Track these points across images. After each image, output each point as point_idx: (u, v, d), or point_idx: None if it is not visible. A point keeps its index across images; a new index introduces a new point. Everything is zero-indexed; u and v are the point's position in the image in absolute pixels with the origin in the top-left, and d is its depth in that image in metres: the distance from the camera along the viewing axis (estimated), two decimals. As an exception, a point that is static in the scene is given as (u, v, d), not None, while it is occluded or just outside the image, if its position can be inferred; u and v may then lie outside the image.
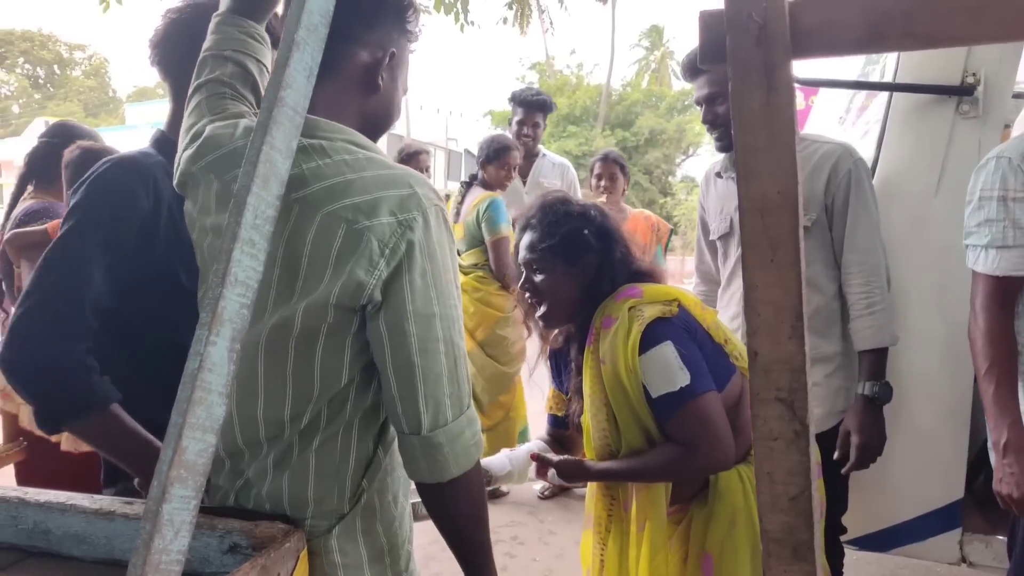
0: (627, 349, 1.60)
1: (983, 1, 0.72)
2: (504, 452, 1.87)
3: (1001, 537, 2.20)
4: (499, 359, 3.82)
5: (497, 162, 3.76)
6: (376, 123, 1.20)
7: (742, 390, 1.69)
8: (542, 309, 1.76)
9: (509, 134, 4.14)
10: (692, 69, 2.09)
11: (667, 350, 1.58)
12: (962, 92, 2.04)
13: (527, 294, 1.78)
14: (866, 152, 2.35)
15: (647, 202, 25.66)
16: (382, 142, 1.31)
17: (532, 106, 4.11)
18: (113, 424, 1.32)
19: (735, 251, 2.23)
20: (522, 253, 1.78)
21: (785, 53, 0.78)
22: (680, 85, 31.35)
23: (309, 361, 1.09)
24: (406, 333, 1.05)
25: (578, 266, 1.73)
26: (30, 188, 2.88)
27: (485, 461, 1.81)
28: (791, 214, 0.78)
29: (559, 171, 4.24)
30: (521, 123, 4.11)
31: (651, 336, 1.59)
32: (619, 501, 1.74)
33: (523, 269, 1.79)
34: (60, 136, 2.87)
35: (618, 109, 29.20)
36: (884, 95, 2.30)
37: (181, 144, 1.22)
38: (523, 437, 3.89)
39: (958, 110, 2.06)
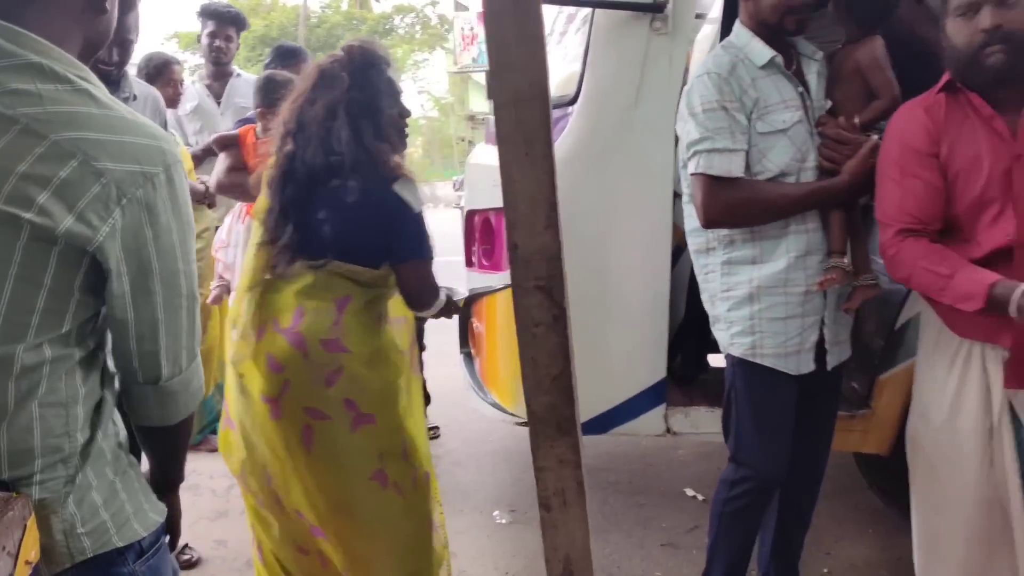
0: None
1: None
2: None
3: (698, 408, 2.56)
4: None
5: (160, 79, 3.49)
6: (96, 49, 1.11)
7: None
8: None
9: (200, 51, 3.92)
10: None
11: None
12: (655, 9, 2.22)
13: None
14: (572, 70, 2.50)
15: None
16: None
17: (224, 19, 3.91)
18: None
19: None
20: None
21: (528, -54, 0.79)
22: (381, 8, 30.81)
23: (31, 294, 0.97)
24: (151, 291, 1.04)
25: None
26: None
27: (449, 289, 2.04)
28: (543, 107, 0.81)
29: None
30: (213, 35, 3.89)
31: None
32: None
33: None
34: None
35: (318, 32, 28.00)
36: (585, 16, 2.45)
37: None
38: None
39: (652, 27, 2.25)
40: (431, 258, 1.89)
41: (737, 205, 1.88)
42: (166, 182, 1.02)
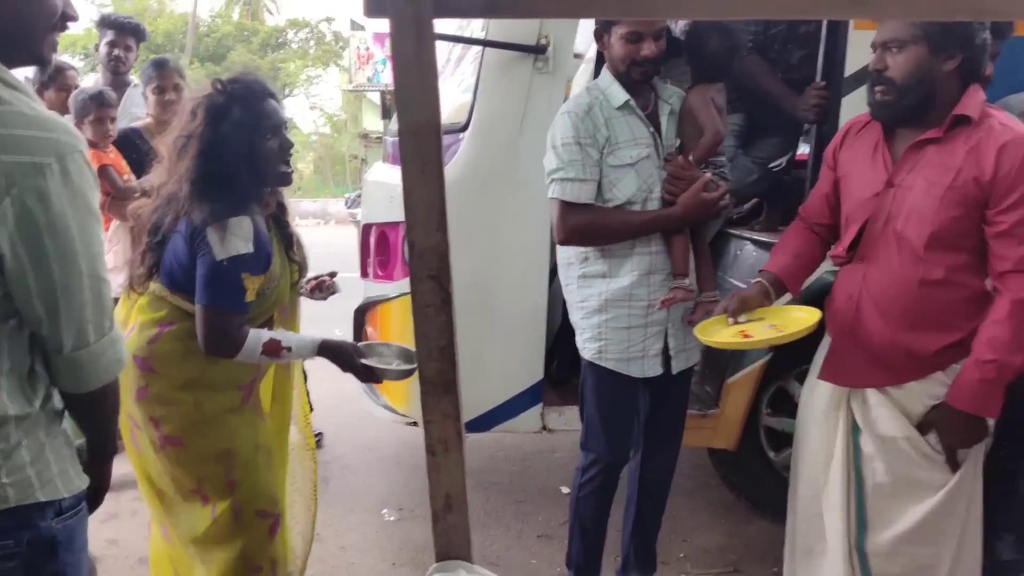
0: None
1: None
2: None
3: (572, 407, 2.83)
4: None
5: (54, 85, 3.54)
6: (17, 38, 1.14)
7: None
8: None
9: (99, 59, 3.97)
10: None
11: None
12: (537, 51, 2.51)
13: None
14: (464, 99, 2.75)
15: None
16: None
17: (124, 29, 3.95)
18: None
19: None
20: None
21: (429, 12, 1.02)
22: (274, 21, 30.36)
23: None
24: (48, 270, 1.11)
25: None
26: None
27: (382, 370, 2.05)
28: (436, 138, 1.04)
29: None
30: (112, 45, 3.92)
31: None
32: None
33: None
34: None
35: (207, 41, 27.38)
36: (476, 52, 2.70)
37: None
38: None
39: (535, 66, 2.54)
40: (221, 308, 1.83)
41: (584, 227, 2.16)
42: (60, 171, 1.08)
